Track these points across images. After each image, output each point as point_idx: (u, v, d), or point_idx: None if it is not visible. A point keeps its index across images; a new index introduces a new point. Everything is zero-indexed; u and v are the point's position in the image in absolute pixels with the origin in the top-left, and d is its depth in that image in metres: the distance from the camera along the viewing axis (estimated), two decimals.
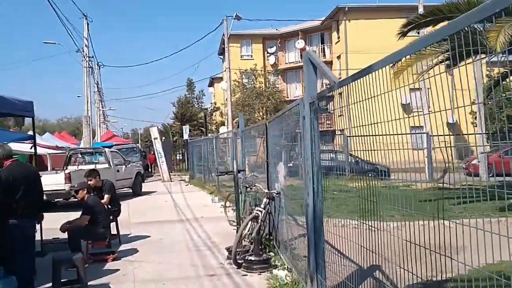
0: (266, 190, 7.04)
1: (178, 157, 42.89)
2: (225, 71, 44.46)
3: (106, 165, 16.22)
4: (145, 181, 23.81)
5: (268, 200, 6.73)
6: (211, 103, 53.95)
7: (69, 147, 20.78)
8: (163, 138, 48.43)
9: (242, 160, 11.48)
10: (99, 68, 36.97)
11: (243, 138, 11.60)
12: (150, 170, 31.85)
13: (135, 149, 29.76)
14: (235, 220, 9.55)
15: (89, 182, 8.73)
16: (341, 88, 3.78)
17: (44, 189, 12.48)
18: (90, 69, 23.34)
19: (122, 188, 17.28)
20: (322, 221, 4.53)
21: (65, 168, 16.51)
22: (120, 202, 9.26)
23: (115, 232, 8.53)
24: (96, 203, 7.47)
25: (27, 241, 5.27)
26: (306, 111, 4.66)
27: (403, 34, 11.91)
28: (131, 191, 17.98)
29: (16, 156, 15.10)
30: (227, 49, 25.36)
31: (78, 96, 40.90)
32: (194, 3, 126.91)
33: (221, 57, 49.04)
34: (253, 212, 6.82)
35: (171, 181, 24.66)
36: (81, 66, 22.99)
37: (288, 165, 6.21)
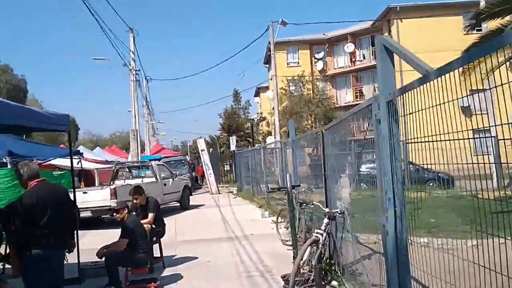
0: (327, 209, 6.07)
1: (225, 168, 42.55)
2: (271, 79, 43.77)
3: (153, 179, 15.76)
4: (193, 193, 23.37)
5: (328, 220, 5.76)
6: (258, 113, 53.44)
7: (118, 161, 20.65)
8: (211, 149, 48.36)
9: (293, 172, 10.55)
10: (147, 82, 37.39)
11: (294, 148, 10.67)
12: (198, 182, 31.45)
13: (183, 161, 29.54)
14: (289, 240, 8.62)
15: (134, 201, 8.11)
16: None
17: (90, 205, 12.00)
18: (137, 82, 23.23)
19: (169, 202, 16.78)
20: (407, 255, 3.53)
21: (111, 183, 16.21)
22: (165, 220, 8.58)
23: (159, 255, 7.82)
24: (136, 225, 6.77)
25: (53, 274, 4.58)
26: (382, 112, 3.69)
27: (472, 27, 10.61)
28: (178, 205, 17.46)
29: (59, 173, 14.80)
30: (273, 56, 24.59)
31: (129, 111, 41.21)
32: (238, 10, 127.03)
33: (267, 65, 48.45)
34: (312, 235, 5.87)
35: (219, 193, 24.05)
36: (129, 80, 22.93)
37: (353, 178, 5.23)
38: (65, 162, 18.95)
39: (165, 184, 16.12)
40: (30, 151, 13.95)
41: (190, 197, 18.91)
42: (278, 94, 35.16)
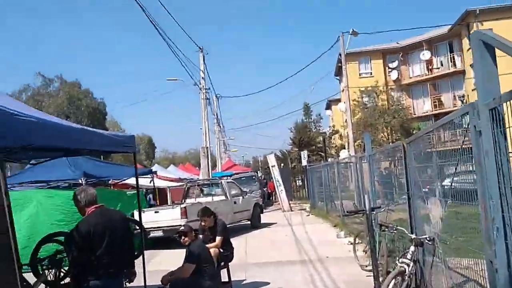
0: (413, 236, 5.33)
1: (298, 183, 41.83)
2: (342, 91, 42.77)
3: (223, 197, 15.57)
4: (264, 211, 23.03)
5: (415, 248, 5.03)
6: (330, 127, 52.45)
7: (191, 179, 20.83)
8: (282, 164, 47.97)
9: (370, 189, 9.78)
10: (218, 100, 37.97)
11: (371, 163, 9.89)
12: (270, 198, 31.01)
13: (253, 177, 29.30)
14: (368, 265, 7.88)
15: (202, 223, 7.83)
16: None
17: (161, 225, 11.93)
18: (207, 100, 23.47)
19: (240, 221, 16.49)
20: None
21: (183, 202, 16.24)
22: (235, 240, 8.21)
23: (227, 280, 7.43)
24: (202, 250, 6.41)
25: None
26: (483, 122, 3.01)
27: None
28: (249, 223, 17.12)
29: (132, 192, 14.94)
30: (345, 68, 23.80)
31: (200, 128, 42.05)
32: (305, 20, 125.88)
33: (338, 77, 47.52)
34: (396, 264, 5.16)
35: (291, 210, 23.46)
36: (199, 98, 23.22)
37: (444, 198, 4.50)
38: (140, 181, 19.43)
39: (235, 202, 15.87)
40: (104, 172, 14.30)
41: (262, 215, 18.54)
42: (351, 106, 34.13)
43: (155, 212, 13.55)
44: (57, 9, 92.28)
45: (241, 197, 16.38)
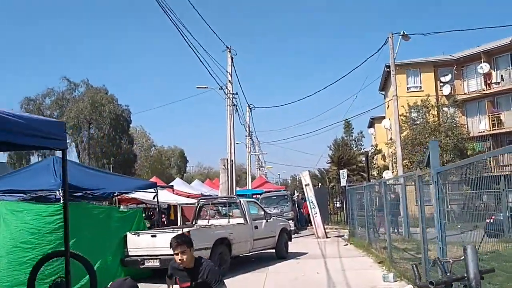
0: None
1: (336, 205, 38.43)
2: (388, 107, 39.39)
3: (241, 220, 12.78)
4: (296, 235, 19.97)
5: None
6: (372, 145, 48.96)
7: (207, 196, 18.16)
8: (319, 184, 44.69)
9: (438, 222, 6.81)
10: (250, 111, 35.47)
11: (439, 184, 6.92)
12: (305, 221, 27.49)
13: (286, 197, 26.38)
14: None
15: (176, 257, 5.01)
16: None
17: (158, 252, 9.30)
18: (234, 107, 20.90)
19: (261, 249, 13.62)
20: None
21: (194, 223, 13.57)
22: (254, 273, 5.32)
23: None
24: None
25: None
26: None
27: None
28: (273, 251, 14.24)
29: (129, 211, 12.34)
30: (394, 73, 20.69)
31: (237, 143, 39.66)
32: (347, 26, 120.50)
33: (383, 92, 44.23)
34: None
35: (327, 237, 20.33)
36: (231, 106, 20.68)
37: None
38: (147, 196, 16.91)
39: (256, 227, 13.04)
40: (96, 183, 11.84)
41: (292, 240, 15.61)
42: (398, 122, 30.80)
43: (152, 236, 10.91)
44: (92, 14, 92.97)
45: (263, 221, 13.53)
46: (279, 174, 78.23)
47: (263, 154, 46.17)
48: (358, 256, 14.37)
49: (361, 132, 53.10)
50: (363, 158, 44.73)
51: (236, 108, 21.41)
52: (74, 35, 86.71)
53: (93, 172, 12.75)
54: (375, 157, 44.49)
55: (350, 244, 17.65)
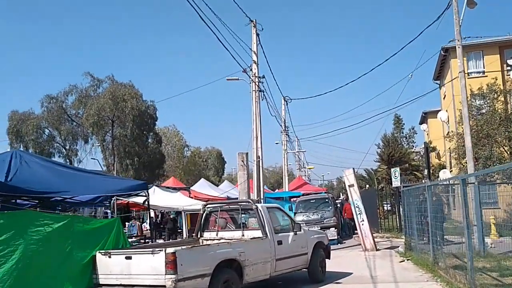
0: None
1: (385, 208, 34.34)
2: (444, 97, 35.06)
3: (258, 233, 9.53)
4: (338, 244, 16.49)
5: None
6: (425, 143, 44.54)
7: (219, 202, 14.97)
8: (367, 186, 40.69)
9: None
10: (286, 104, 32.16)
11: None
12: (349, 228, 23.75)
13: (327, 200, 22.82)
14: None
15: None
16: None
17: (134, 282, 6.43)
18: (259, 93, 17.67)
19: (288, 272, 10.31)
20: None
21: (198, 235, 10.47)
22: None
23: None
24: None
25: None
26: None
27: None
28: (306, 272, 10.91)
29: (105, 221, 9.13)
30: (459, 45, 16.80)
31: (276, 143, 36.63)
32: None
33: (437, 82, 39.78)
34: None
35: (376, 249, 16.69)
36: (256, 92, 17.48)
37: None
38: (159, 200, 13.88)
39: (280, 242, 9.73)
40: (58, 185, 8.91)
41: (334, 252, 12.18)
42: (456, 115, 26.78)
43: (126, 258, 7.84)
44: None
45: (291, 233, 10.20)
46: (322, 176, 74.07)
47: (302, 151, 42.54)
48: (420, 280, 10.76)
49: (413, 128, 48.71)
50: (417, 156, 40.60)
51: (264, 95, 18.17)
52: (94, 30, 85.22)
53: (68, 171, 9.86)
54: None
55: (407, 260, 13.98)
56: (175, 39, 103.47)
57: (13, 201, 10.96)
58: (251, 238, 9.39)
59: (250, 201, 10.36)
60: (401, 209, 22.64)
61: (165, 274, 7.31)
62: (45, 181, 9.02)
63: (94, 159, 38.74)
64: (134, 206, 15.93)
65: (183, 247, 7.82)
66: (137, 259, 7.78)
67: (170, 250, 7.43)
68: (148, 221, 24.24)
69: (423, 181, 22.45)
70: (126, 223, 19.02)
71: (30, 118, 38.65)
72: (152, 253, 7.58)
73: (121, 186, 9.89)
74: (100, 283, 8.16)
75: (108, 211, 12.99)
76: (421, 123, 49.76)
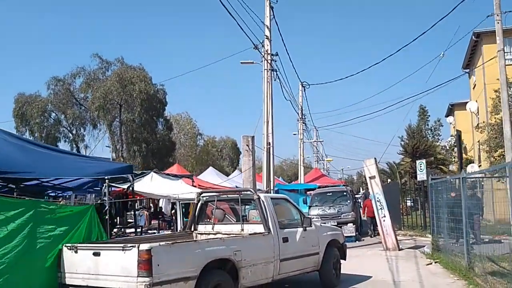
0: None
1: (407, 204, 32.41)
2: (474, 87, 33.02)
3: (260, 227, 8.13)
4: (356, 242, 14.97)
5: None
6: (452, 136, 42.71)
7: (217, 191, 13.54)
8: (388, 180, 38.95)
9: None
10: (304, 90, 30.62)
11: None
12: (372, 228, 21.45)
13: (344, 193, 21.31)
14: None
15: None
16: None
17: (100, 284, 5.13)
18: (271, 72, 16.19)
19: (295, 274, 8.88)
20: None
21: (191, 230, 9.15)
22: None
23: None
24: None
25: None
26: None
27: None
28: (317, 275, 9.49)
29: (78, 208, 8.00)
30: (498, 16, 15.05)
31: (294, 134, 35.10)
32: None
33: (466, 70, 37.68)
34: None
35: (399, 249, 15.15)
36: (268, 71, 16.00)
37: None
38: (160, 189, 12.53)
39: (285, 239, 8.30)
40: (24, 165, 7.64)
41: (351, 251, 10.67)
42: (487, 105, 24.88)
43: (94, 253, 6.51)
44: None
45: (299, 229, 8.77)
46: (342, 169, 72.10)
47: (319, 141, 40.89)
48: None
49: (439, 120, 46.70)
50: (443, 150, 38.69)
51: (277, 75, 16.67)
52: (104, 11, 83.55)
53: (38, 150, 8.55)
54: (455, 150, 38.30)
55: (435, 262, 12.42)
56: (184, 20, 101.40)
57: None
58: (249, 234, 7.98)
59: (251, 190, 8.94)
60: (426, 205, 21.09)
61: (137, 277, 5.98)
62: (6, 159, 7.73)
63: (108, 146, 37.87)
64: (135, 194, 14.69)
65: (162, 243, 6.44)
66: (106, 256, 6.45)
67: (144, 246, 6.07)
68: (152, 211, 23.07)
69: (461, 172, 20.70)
70: (127, 213, 17.80)
71: (36, 101, 37.62)
72: (123, 250, 6.23)
73: (100, 169, 8.57)
74: (66, 283, 6.87)
75: (106, 199, 11.77)
76: (447, 115, 47.79)
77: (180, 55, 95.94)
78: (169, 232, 16.96)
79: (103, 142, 38.82)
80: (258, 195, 8.32)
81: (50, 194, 13.69)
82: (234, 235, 8.03)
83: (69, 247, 6.93)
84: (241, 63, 21.07)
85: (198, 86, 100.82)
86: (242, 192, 8.96)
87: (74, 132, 40.51)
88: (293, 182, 41.58)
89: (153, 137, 38.04)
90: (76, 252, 6.82)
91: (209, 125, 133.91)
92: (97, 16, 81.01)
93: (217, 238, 7.70)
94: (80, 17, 78.05)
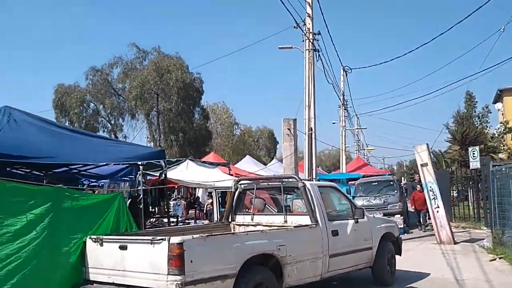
0: None
1: (453, 194, 30.58)
2: None
3: (306, 219, 7.20)
4: (404, 234, 13.81)
5: None
6: (501, 123, 40.47)
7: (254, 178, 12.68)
8: (436, 169, 37.13)
9: None
10: (346, 74, 29.33)
11: None
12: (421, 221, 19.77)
13: (391, 182, 20.06)
14: None
15: None
16: None
17: (129, 282, 4.45)
18: (314, 53, 15.13)
19: (346, 271, 7.91)
20: None
21: (229, 220, 8.34)
22: None
23: None
24: None
25: None
26: None
27: None
28: (370, 272, 8.50)
29: (101, 197, 7.35)
30: None
31: (333, 123, 33.92)
32: None
33: None
34: None
35: (454, 242, 13.90)
36: (310, 51, 14.97)
37: None
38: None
39: (335, 232, 7.35)
40: (27, 146, 7.00)
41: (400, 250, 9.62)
42: None
43: (121, 247, 5.77)
44: None
45: (350, 221, 7.79)
46: (383, 159, 69.86)
47: (362, 128, 39.38)
48: None
49: (487, 107, 44.42)
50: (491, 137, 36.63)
51: (319, 55, 15.57)
52: None
53: (64, 133, 7.90)
54: (504, 137, 36.22)
55: (500, 258, 11.16)
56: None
57: (9, 169, 9.36)
58: (295, 226, 7.06)
59: (296, 177, 8.00)
60: (480, 194, 19.57)
61: (168, 274, 5.18)
62: (33, 143, 7.12)
63: (148, 137, 37.77)
64: (170, 183, 14.09)
65: (195, 235, 5.62)
66: (133, 250, 5.69)
67: (175, 239, 5.26)
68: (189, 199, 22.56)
69: None
70: (161, 202, 17.26)
71: (75, 91, 37.79)
72: (151, 243, 5.44)
73: (132, 154, 7.84)
74: (90, 278, 6.17)
75: (141, 187, 11.16)
76: (495, 102, 45.42)
77: (214, 42, 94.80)
78: (206, 222, 16.36)
79: (141, 132, 38.77)
80: (303, 183, 7.37)
81: (84, 182, 13.23)
82: (277, 227, 7.14)
83: (94, 239, 6.22)
84: (279, 48, 20.06)
85: (234, 75, 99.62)
86: (285, 180, 8.03)
87: (112, 122, 40.62)
88: (332, 172, 40.38)
89: (189, 127, 37.63)
90: (101, 244, 6.10)
91: (245, 115, 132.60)
92: (134, 4, 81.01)
93: (258, 230, 6.83)
94: (118, 5, 78.38)
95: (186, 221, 17.12)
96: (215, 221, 12.63)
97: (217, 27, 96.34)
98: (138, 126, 39.21)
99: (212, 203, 17.35)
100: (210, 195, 18.31)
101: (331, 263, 7.26)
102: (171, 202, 20.40)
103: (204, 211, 18.89)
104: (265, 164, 29.21)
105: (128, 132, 39.17)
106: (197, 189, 20.52)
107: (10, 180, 6.32)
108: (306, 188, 7.30)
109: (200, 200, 20.89)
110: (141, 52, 37.44)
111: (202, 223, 15.95)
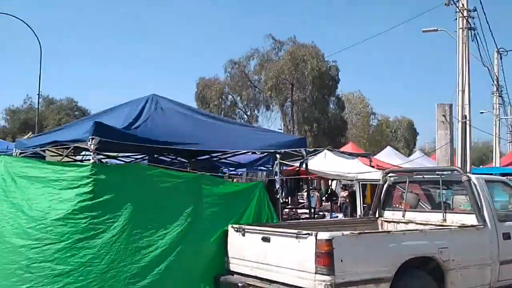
0: None
1: None
2: None
3: (471, 218, 6.19)
4: None
5: None
6: None
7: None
8: None
9: None
10: (500, 57, 26.14)
11: None
12: None
13: None
14: None
15: None
16: None
17: (274, 276, 5.30)
18: (468, 32, 13.47)
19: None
20: None
21: (375, 216, 7.61)
22: None
23: None
24: None
25: None
26: None
27: None
28: None
29: (245, 184, 7.09)
30: None
31: (481, 112, 31.13)
32: None
33: None
34: None
35: None
36: (464, 29, 13.41)
37: None
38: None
39: (507, 236, 6.23)
40: (170, 134, 7.03)
41: None
42: None
43: (263, 238, 5.43)
44: None
45: None
46: None
47: None
48: None
49: None
50: None
51: (475, 34, 13.81)
52: None
53: (206, 120, 7.87)
54: None
55: None
56: None
57: (157, 156, 9.70)
58: (459, 226, 6.09)
59: (458, 169, 6.94)
60: None
61: (315, 273, 4.68)
62: (178, 130, 7.17)
63: (282, 128, 38.00)
64: (304, 173, 13.65)
65: (345, 232, 5.03)
66: (276, 243, 5.30)
67: (323, 235, 4.73)
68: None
69: None
70: (298, 193, 16.92)
71: (214, 83, 39.37)
72: (296, 237, 4.99)
73: (272, 141, 7.50)
74: (231, 269, 5.95)
75: (277, 178, 10.92)
76: None
77: (350, 29, 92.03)
78: (341, 215, 15.62)
79: (275, 123, 39.09)
80: (468, 176, 6.34)
81: (224, 171, 13.40)
82: (436, 227, 6.24)
83: (236, 229, 5.97)
84: (423, 31, 18.49)
85: (372, 63, 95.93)
86: (445, 172, 7.02)
87: (248, 113, 41.61)
88: (480, 166, 36.60)
89: (324, 117, 36.86)
90: (243, 235, 5.82)
91: (382, 105, 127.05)
92: None
93: (416, 230, 6.00)
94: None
95: (320, 213, 16.66)
96: (358, 216, 11.88)
97: (352, 14, 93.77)
98: (272, 117, 39.63)
99: (347, 196, 16.58)
100: (344, 188, 17.56)
101: (502, 271, 6.16)
102: (304, 194, 20.09)
103: (338, 204, 18.23)
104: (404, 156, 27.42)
105: (263, 123, 39.75)
106: (330, 181, 19.83)
107: (158, 166, 6.36)
108: (472, 183, 6.26)
109: (335, 191, 20.22)
110: (277, 43, 37.62)
111: (337, 216, 15.29)
